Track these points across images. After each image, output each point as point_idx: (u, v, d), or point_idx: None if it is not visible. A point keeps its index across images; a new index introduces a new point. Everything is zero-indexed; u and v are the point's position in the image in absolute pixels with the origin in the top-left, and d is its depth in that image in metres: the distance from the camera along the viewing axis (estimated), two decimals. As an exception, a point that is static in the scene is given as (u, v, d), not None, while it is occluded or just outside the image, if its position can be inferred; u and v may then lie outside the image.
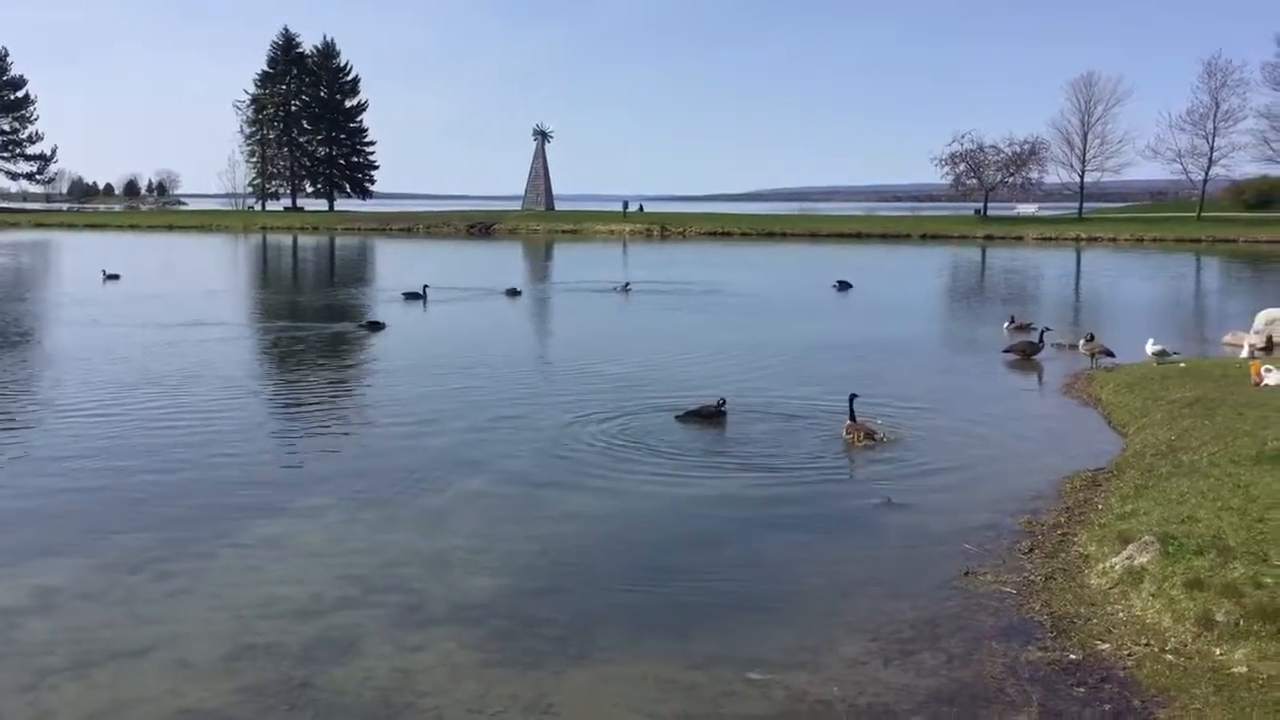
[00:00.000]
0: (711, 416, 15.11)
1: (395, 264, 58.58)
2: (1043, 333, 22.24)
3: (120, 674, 7.27)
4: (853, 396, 14.54)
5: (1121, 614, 8.00)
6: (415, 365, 20.74)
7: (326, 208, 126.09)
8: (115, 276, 40.53)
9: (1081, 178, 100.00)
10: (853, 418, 14.25)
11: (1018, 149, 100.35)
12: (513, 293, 35.93)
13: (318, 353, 23.11)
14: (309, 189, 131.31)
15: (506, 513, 11.09)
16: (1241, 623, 7.30)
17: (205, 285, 40.00)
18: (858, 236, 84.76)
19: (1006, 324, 26.43)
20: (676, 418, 15.21)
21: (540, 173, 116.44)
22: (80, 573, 9.19)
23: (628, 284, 37.88)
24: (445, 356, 21.94)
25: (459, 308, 32.50)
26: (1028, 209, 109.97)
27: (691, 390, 17.30)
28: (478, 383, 18.55)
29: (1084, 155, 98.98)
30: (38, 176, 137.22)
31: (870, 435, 13.98)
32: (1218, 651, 7.16)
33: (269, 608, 8.42)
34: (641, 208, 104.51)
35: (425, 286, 33.94)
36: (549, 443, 14.01)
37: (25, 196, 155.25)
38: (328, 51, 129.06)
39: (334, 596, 8.67)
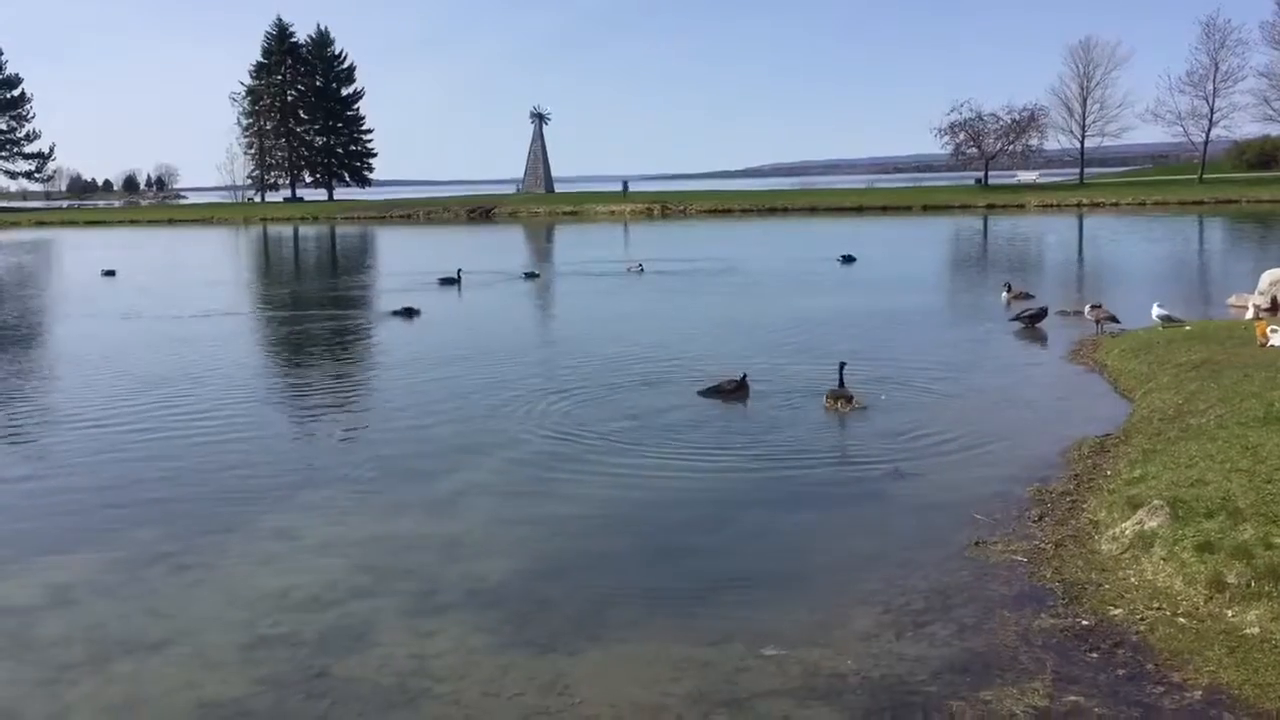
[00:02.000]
0: (732, 391, 15.23)
1: (403, 251, 58.58)
2: (1060, 311, 22.01)
3: (137, 668, 7.31)
4: (842, 365, 14.81)
5: (1133, 579, 8.01)
6: (433, 352, 20.74)
7: (326, 197, 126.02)
8: (111, 273, 40.68)
9: (1082, 143, 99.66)
10: (841, 384, 14.51)
11: (1017, 116, 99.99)
12: (530, 276, 36.04)
13: (337, 343, 23.12)
14: (308, 179, 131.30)
15: (517, 496, 11.12)
16: (1253, 584, 7.31)
17: (209, 277, 40.02)
18: (859, 210, 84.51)
19: (1004, 292, 26.31)
20: (698, 393, 15.34)
21: (539, 155, 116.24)
22: (94, 568, 9.23)
23: (641, 265, 37.68)
24: (465, 342, 21.97)
25: (479, 294, 32.40)
26: (1029, 176, 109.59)
27: (700, 368, 17.34)
28: (491, 367, 18.51)
29: (1084, 120, 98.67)
30: (36, 175, 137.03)
31: (848, 400, 14.28)
32: (1230, 614, 7.17)
33: (284, 598, 8.46)
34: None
35: (460, 271, 34.07)
36: (559, 425, 14.02)
37: (25, 195, 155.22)
38: (322, 40, 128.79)
39: (348, 585, 8.71)
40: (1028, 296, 25.44)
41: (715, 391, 15.30)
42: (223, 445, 13.46)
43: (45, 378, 19.22)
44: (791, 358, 18.57)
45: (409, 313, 26.13)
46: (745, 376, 15.46)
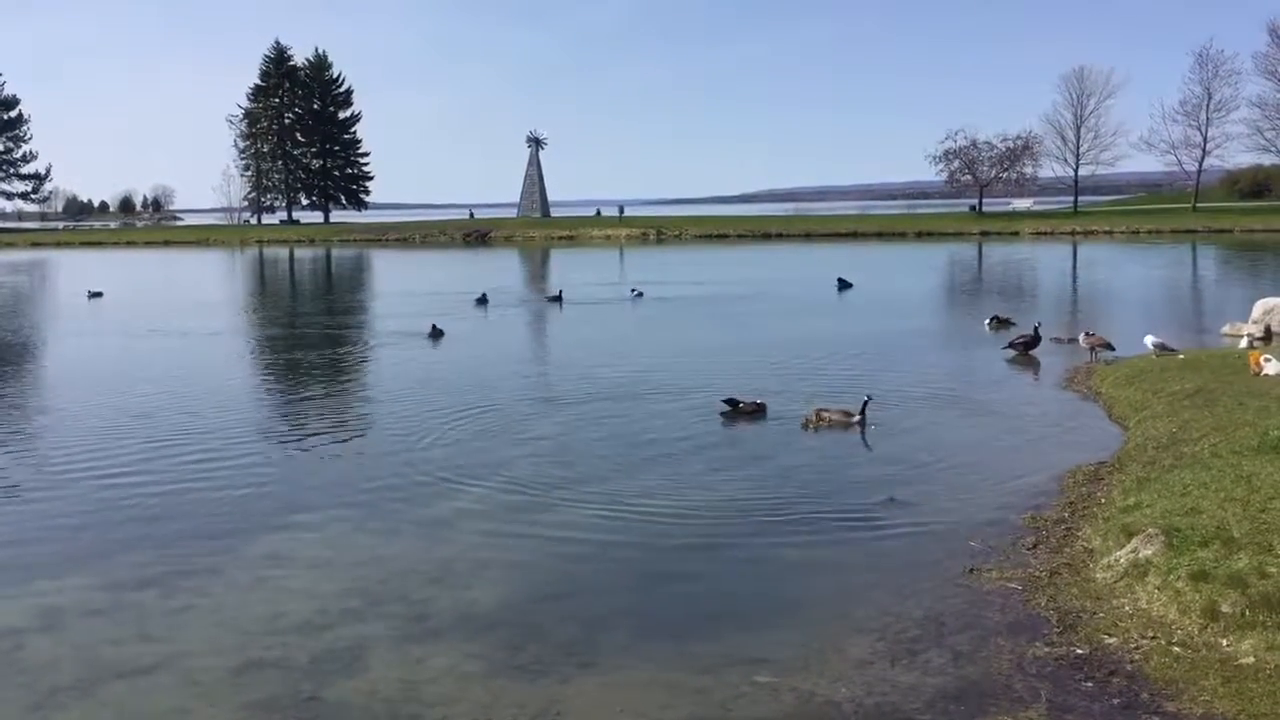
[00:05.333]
0: (750, 411, 15.62)
1: (404, 274, 58.57)
2: (1036, 328, 22.03)
3: (127, 692, 7.26)
4: (867, 400, 15.12)
5: (1128, 607, 7.99)
6: (436, 374, 20.79)
7: (322, 220, 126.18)
8: (98, 294, 40.78)
9: (1075, 171, 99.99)
10: (865, 410, 14.89)
11: (1011, 144, 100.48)
12: (554, 299, 36.01)
13: (339, 367, 23.09)
14: (304, 201, 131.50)
15: (511, 520, 11.08)
16: (1248, 613, 7.29)
17: (199, 299, 40.02)
18: (853, 236, 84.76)
19: (987, 322, 26.29)
20: (722, 401, 15.78)
21: (535, 180, 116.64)
22: (85, 591, 9.19)
23: (639, 291, 37.52)
24: (469, 365, 21.99)
25: (494, 315, 32.45)
26: (1023, 204, 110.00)
27: (699, 393, 17.38)
28: (490, 390, 18.46)
29: (1078, 149, 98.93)
30: (33, 196, 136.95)
31: (821, 418, 14.95)
32: (1225, 643, 7.15)
33: (275, 622, 8.41)
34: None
35: (485, 294, 35.41)
36: (552, 449, 14.01)
37: (21, 216, 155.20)
38: (320, 63, 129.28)
39: (339, 609, 8.67)
40: (1010, 324, 25.52)
41: (735, 406, 15.55)
42: (215, 469, 13.41)
43: (31, 401, 19.16)
44: (789, 383, 18.55)
45: (435, 333, 26.13)
46: (765, 406, 15.80)
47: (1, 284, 53.07)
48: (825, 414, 15.00)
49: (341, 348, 26.01)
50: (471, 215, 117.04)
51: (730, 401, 15.75)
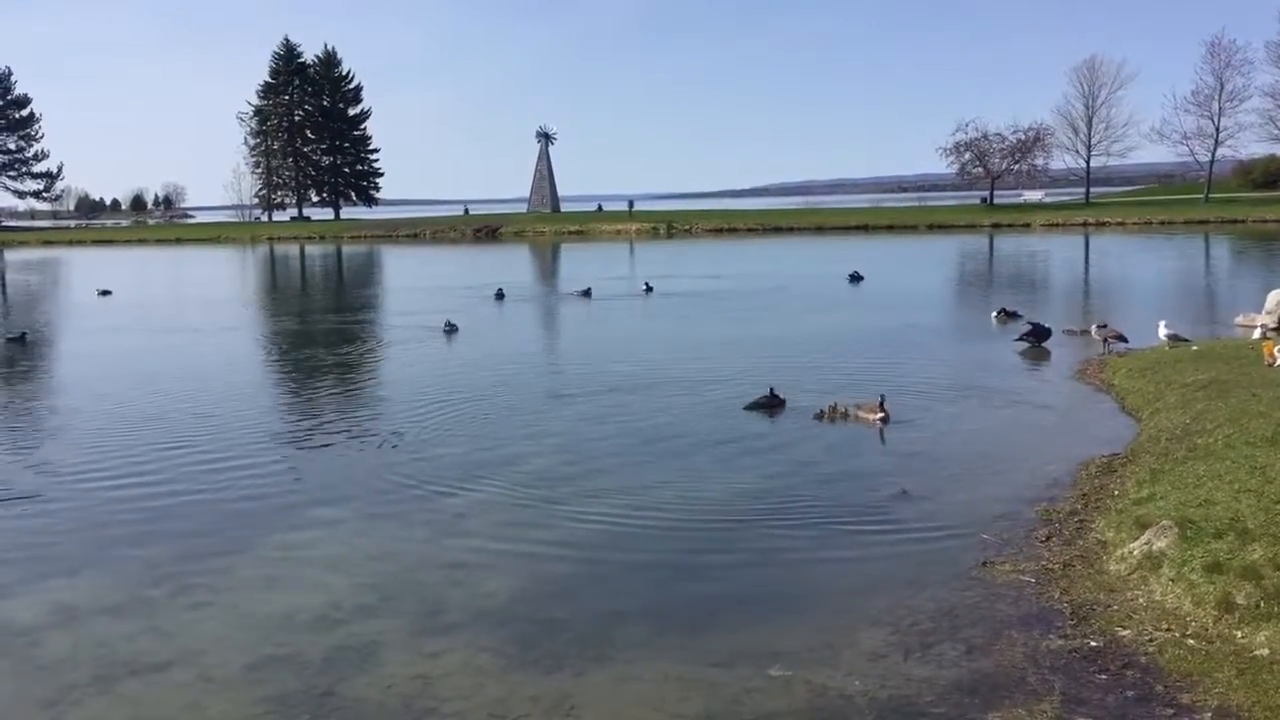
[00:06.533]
0: (775, 406, 15.70)
1: (417, 270, 58.60)
2: (1066, 330, 22.09)
3: (142, 688, 7.30)
4: (882, 397, 15.02)
5: (1141, 599, 7.98)
6: (448, 371, 20.82)
7: (332, 216, 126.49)
8: (107, 292, 41.07)
9: (1087, 163, 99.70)
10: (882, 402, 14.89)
11: (1022, 136, 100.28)
12: (584, 293, 35.97)
13: (352, 363, 23.14)
14: (314, 198, 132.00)
15: (523, 516, 11.09)
16: (1262, 605, 7.27)
17: (209, 296, 40.16)
18: (864, 229, 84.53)
19: (995, 314, 26.25)
20: (744, 408, 15.72)
21: (545, 175, 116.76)
22: (99, 588, 9.23)
23: (649, 285, 37.67)
24: (480, 362, 22.01)
25: (509, 310, 32.51)
26: (1034, 195, 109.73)
27: (710, 387, 17.38)
28: (500, 386, 18.51)
29: (1089, 140, 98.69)
30: (44, 194, 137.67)
31: (834, 411, 15.04)
32: (1239, 635, 7.13)
33: (289, 618, 8.44)
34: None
35: (501, 289, 36.08)
36: (565, 444, 14.02)
37: (33, 214, 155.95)
38: (329, 60, 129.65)
39: (353, 605, 8.70)
40: (1017, 316, 25.48)
41: (758, 406, 15.65)
42: (227, 466, 13.44)
43: (42, 400, 19.23)
44: (798, 377, 18.50)
45: (449, 328, 26.20)
46: (772, 390, 15.84)
47: (11, 282, 53.29)
48: (854, 411, 14.95)
49: (355, 345, 26.05)
50: (466, 211, 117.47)
51: (756, 404, 15.71)
